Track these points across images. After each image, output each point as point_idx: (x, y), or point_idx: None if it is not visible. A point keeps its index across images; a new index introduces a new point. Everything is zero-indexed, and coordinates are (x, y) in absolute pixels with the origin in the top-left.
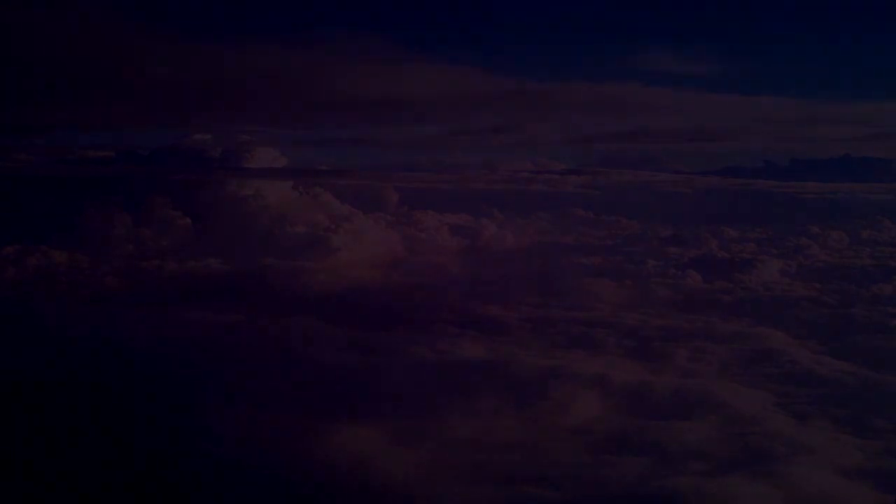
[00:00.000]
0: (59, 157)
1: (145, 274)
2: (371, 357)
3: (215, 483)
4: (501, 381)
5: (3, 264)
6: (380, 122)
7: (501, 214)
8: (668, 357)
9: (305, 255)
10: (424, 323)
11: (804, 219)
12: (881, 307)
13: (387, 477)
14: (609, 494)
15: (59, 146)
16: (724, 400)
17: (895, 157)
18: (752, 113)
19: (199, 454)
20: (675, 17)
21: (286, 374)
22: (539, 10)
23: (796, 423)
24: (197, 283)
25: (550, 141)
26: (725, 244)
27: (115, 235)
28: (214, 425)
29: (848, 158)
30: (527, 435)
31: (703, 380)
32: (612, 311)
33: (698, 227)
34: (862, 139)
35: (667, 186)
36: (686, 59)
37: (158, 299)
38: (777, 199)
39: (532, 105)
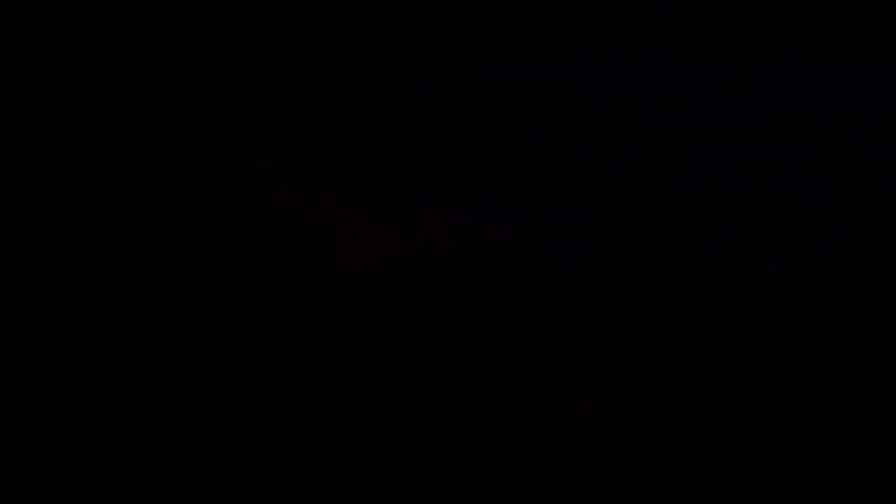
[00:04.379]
0: None
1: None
2: (370, 357)
3: (214, 483)
4: (501, 381)
5: None
6: (380, 122)
7: (501, 214)
8: (668, 357)
9: (305, 255)
10: (424, 323)
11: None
12: (881, 307)
13: (385, 477)
14: (609, 494)
15: None
16: (724, 400)
17: None
18: None
19: (197, 455)
20: (674, 16)
21: (285, 374)
22: (539, 9)
23: (795, 422)
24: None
25: (550, 141)
26: (725, 244)
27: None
28: (213, 425)
29: None
30: (526, 435)
31: (703, 380)
32: (612, 311)
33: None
34: None
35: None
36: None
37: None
38: None
39: (532, 104)
